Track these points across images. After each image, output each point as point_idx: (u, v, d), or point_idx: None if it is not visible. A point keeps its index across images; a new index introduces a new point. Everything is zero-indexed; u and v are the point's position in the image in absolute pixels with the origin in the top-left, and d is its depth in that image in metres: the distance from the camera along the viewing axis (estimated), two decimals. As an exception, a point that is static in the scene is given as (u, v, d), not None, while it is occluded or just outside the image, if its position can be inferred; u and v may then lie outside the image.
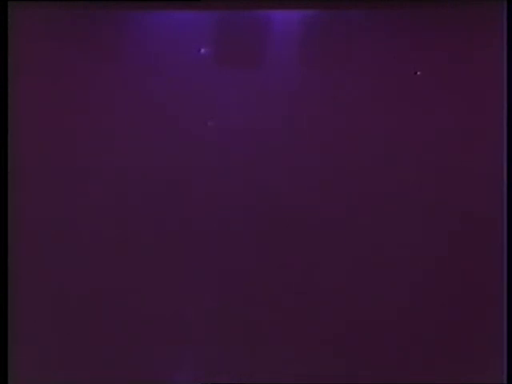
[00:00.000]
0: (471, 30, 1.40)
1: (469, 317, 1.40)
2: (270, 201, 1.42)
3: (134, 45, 1.42)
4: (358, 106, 1.41)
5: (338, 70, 1.42)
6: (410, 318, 1.41)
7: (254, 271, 1.41)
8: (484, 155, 1.40)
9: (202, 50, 1.42)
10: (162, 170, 1.42)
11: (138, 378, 1.42)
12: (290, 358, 1.41)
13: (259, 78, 1.41)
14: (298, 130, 1.42)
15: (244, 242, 1.42)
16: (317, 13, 1.42)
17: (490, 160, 1.39)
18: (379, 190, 1.41)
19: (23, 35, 1.41)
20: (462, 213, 1.40)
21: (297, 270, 1.41)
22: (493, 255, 1.39)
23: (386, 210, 1.41)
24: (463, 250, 1.41)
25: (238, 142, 1.42)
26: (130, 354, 1.42)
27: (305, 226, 1.41)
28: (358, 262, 1.41)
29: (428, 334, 1.40)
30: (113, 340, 1.42)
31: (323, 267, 1.41)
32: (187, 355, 1.42)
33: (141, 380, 1.42)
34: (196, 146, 1.42)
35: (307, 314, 1.41)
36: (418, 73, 1.41)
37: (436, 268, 1.40)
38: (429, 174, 1.41)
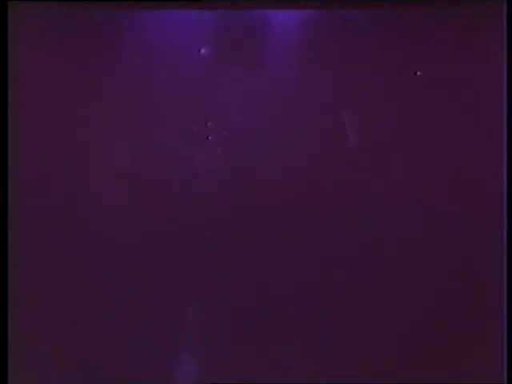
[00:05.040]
0: (471, 30, 1.40)
1: (469, 317, 1.40)
2: (269, 200, 1.42)
3: (134, 45, 1.42)
4: (358, 106, 1.41)
5: (338, 70, 1.42)
6: (409, 319, 1.41)
7: (253, 271, 1.41)
8: (484, 155, 1.40)
9: (202, 50, 1.42)
10: (161, 169, 1.42)
11: (138, 378, 1.42)
12: (290, 358, 1.41)
13: (259, 77, 1.41)
14: (297, 130, 1.42)
15: (246, 241, 1.42)
16: (316, 13, 1.42)
17: (489, 160, 1.39)
18: (379, 189, 1.41)
19: (23, 35, 1.41)
20: (462, 212, 1.40)
21: (297, 270, 1.41)
22: (493, 255, 1.39)
23: (386, 208, 1.41)
24: (463, 249, 1.41)
25: (238, 141, 1.42)
26: (129, 355, 1.42)
27: (306, 225, 1.41)
28: (357, 263, 1.41)
29: (428, 334, 1.40)
30: (113, 340, 1.42)
31: (323, 267, 1.41)
32: (187, 355, 1.43)
33: (141, 380, 1.42)
34: (196, 146, 1.42)
35: (307, 315, 1.41)
36: (418, 73, 1.41)
37: (436, 268, 1.40)
38: (428, 173, 1.41)
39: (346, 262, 1.41)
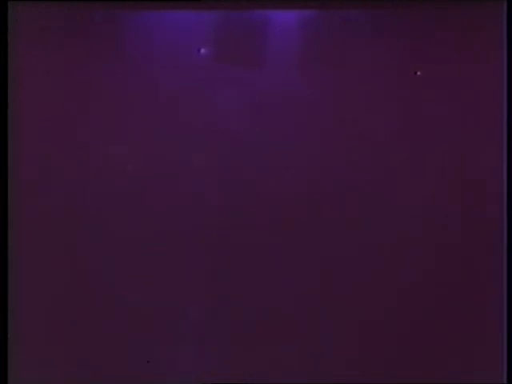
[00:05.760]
0: (471, 30, 1.40)
1: (469, 317, 1.40)
2: (269, 200, 1.42)
3: (134, 45, 1.42)
4: (358, 106, 1.41)
5: (338, 70, 1.42)
6: (409, 319, 1.41)
7: (253, 271, 1.41)
8: (484, 155, 1.40)
9: (202, 50, 1.42)
10: (161, 169, 1.42)
11: (138, 378, 1.42)
12: (290, 358, 1.41)
13: (259, 77, 1.41)
14: (297, 130, 1.42)
15: (246, 241, 1.42)
16: (316, 13, 1.42)
17: (489, 160, 1.39)
18: (379, 189, 1.41)
19: (23, 35, 1.41)
20: (462, 212, 1.40)
21: (297, 270, 1.41)
22: (493, 255, 1.39)
23: (386, 208, 1.41)
24: (463, 249, 1.41)
25: (238, 141, 1.42)
26: (129, 355, 1.42)
27: (306, 225, 1.41)
28: (357, 263, 1.41)
29: (428, 334, 1.40)
30: (113, 340, 1.42)
31: (323, 267, 1.41)
32: (187, 355, 1.43)
33: (141, 380, 1.42)
34: (196, 146, 1.42)
35: (307, 315, 1.41)
36: (418, 73, 1.41)
37: (436, 268, 1.40)
38: (428, 173, 1.41)
39: (346, 262, 1.41)
